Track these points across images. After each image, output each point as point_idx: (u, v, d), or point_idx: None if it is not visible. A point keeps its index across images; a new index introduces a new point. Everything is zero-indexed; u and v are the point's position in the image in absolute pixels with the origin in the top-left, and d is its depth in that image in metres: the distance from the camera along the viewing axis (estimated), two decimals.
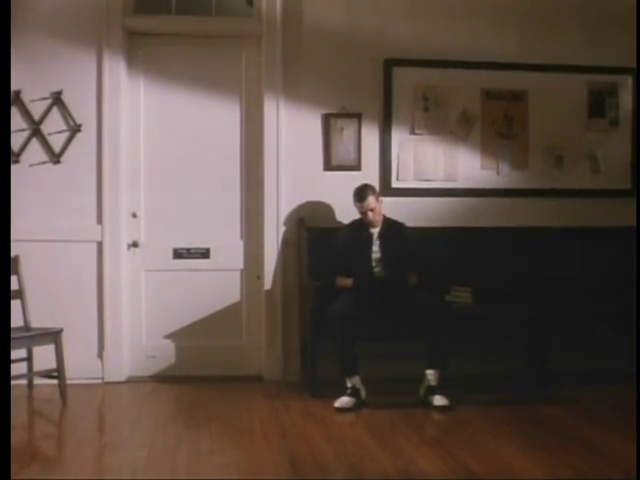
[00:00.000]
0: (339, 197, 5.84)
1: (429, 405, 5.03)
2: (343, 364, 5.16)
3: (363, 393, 5.16)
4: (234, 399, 5.41)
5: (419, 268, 5.43)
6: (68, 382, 5.19)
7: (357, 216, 5.54)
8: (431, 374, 5.12)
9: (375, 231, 5.46)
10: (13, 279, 5.12)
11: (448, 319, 5.13)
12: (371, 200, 5.39)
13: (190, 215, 5.93)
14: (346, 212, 5.77)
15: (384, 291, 5.28)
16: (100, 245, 5.67)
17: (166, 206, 5.90)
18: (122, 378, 5.73)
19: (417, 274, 5.41)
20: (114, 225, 5.70)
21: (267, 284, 5.87)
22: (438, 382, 5.10)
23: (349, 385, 5.13)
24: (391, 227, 5.50)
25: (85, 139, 5.66)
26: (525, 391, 5.48)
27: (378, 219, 5.45)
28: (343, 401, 5.06)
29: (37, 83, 5.59)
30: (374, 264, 5.41)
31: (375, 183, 5.79)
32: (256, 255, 5.96)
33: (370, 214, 5.40)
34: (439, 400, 5.03)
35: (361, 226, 5.49)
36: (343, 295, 5.25)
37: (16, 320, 5.07)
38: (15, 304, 5.08)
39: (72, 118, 5.63)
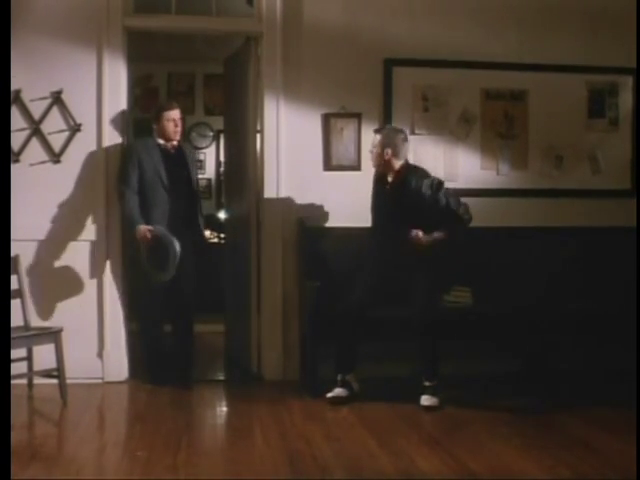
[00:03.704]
0: (339, 197, 5.84)
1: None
2: (341, 360, 5.19)
3: (356, 386, 5.19)
4: (234, 399, 5.42)
5: (445, 222, 5.21)
6: (68, 382, 5.18)
7: (357, 217, 5.55)
8: (423, 374, 5.13)
9: (390, 180, 5.29)
10: (13, 278, 5.11)
11: (441, 327, 5.11)
12: (375, 139, 5.28)
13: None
14: (346, 212, 5.79)
15: (390, 255, 5.20)
16: (100, 245, 5.65)
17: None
18: (122, 378, 5.72)
19: (445, 230, 5.19)
20: (114, 225, 5.69)
21: (267, 284, 5.86)
22: (430, 382, 5.10)
23: (339, 378, 5.18)
24: (409, 177, 5.24)
25: (85, 138, 5.65)
26: (524, 392, 5.48)
27: (378, 164, 5.28)
28: (336, 392, 5.11)
29: (37, 82, 5.57)
30: (384, 219, 5.28)
31: None
32: (256, 255, 5.95)
33: (370, 155, 5.33)
34: (426, 400, 5.05)
35: (382, 173, 5.36)
36: (353, 292, 5.23)
37: (16, 320, 5.08)
38: (15, 304, 5.08)
39: (72, 117, 5.62)
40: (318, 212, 5.85)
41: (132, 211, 5.45)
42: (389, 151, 5.21)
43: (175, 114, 5.56)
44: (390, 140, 5.24)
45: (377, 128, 5.40)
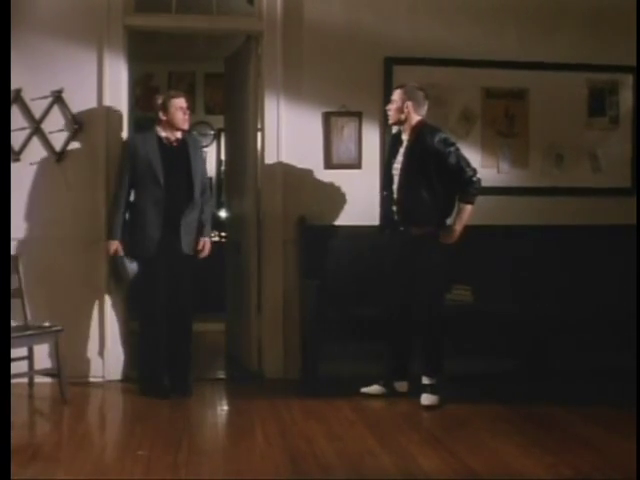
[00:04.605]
0: (340, 196, 5.84)
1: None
2: (390, 367, 5.33)
3: (402, 387, 5.32)
4: (235, 398, 5.42)
5: (455, 186, 5.10)
6: (69, 381, 5.18)
7: (358, 215, 5.54)
8: (423, 372, 5.14)
9: (405, 138, 5.20)
10: (13, 278, 5.11)
11: (443, 326, 5.12)
12: (395, 94, 5.21)
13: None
14: (347, 210, 5.79)
15: (397, 230, 5.17)
16: (100, 244, 5.64)
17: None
18: (123, 377, 5.72)
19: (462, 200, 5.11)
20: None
21: (268, 282, 5.86)
22: (430, 380, 5.10)
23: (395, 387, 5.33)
24: (424, 132, 5.10)
25: (86, 138, 5.65)
26: (525, 390, 5.48)
27: (396, 119, 5.20)
28: (373, 388, 5.29)
29: (38, 81, 5.57)
30: (399, 179, 5.15)
31: (376, 182, 5.79)
32: (256, 253, 5.95)
33: (389, 108, 5.24)
34: (426, 399, 5.06)
35: (397, 134, 5.30)
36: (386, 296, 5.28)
37: (16, 319, 5.08)
38: (15, 303, 5.08)
39: (73, 117, 5.62)
40: (319, 211, 5.84)
41: (113, 219, 5.32)
42: (409, 104, 5.13)
43: (183, 102, 5.33)
44: (412, 94, 5.16)
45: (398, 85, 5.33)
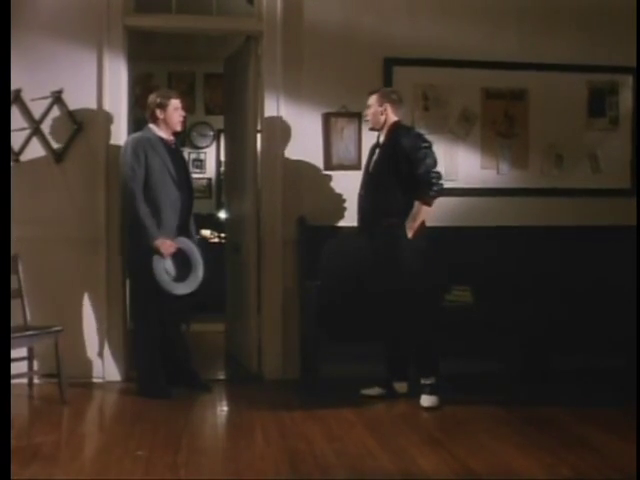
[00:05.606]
0: (339, 196, 5.84)
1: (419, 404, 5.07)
2: (390, 366, 5.32)
3: (402, 388, 5.32)
4: (234, 398, 5.42)
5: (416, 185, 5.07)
6: (68, 381, 5.18)
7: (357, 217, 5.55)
8: (420, 373, 5.14)
9: (381, 139, 5.28)
10: (13, 278, 5.11)
11: (435, 324, 5.13)
12: (371, 99, 5.25)
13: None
14: (347, 211, 5.78)
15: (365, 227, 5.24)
16: (100, 244, 5.65)
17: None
18: (122, 377, 5.72)
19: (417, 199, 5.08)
20: (115, 224, 5.68)
21: (267, 283, 5.86)
22: (428, 380, 5.09)
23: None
24: (398, 131, 5.19)
25: (86, 138, 5.65)
26: (525, 391, 5.48)
27: (376, 122, 5.25)
28: (375, 390, 5.29)
29: (37, 82, 5.57)
30: (369, 178, 5.26)
31: None
32: (256, 254, 5.95)
33: (367, 113, 5.29)
34: (425, 400, 5.06)
35: (377, 140, 5.35)
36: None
37: (16, 320, 5.07)
38: (15, 303, 5.08)
39: (73, 117, 5.62)
40: (318, 211, 5.84)
41: (148, 219, 5.11)
42: (388, 106, 5.21)
43: (179, 103, 5.36)
44: (388, 97, 5.24)
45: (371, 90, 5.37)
